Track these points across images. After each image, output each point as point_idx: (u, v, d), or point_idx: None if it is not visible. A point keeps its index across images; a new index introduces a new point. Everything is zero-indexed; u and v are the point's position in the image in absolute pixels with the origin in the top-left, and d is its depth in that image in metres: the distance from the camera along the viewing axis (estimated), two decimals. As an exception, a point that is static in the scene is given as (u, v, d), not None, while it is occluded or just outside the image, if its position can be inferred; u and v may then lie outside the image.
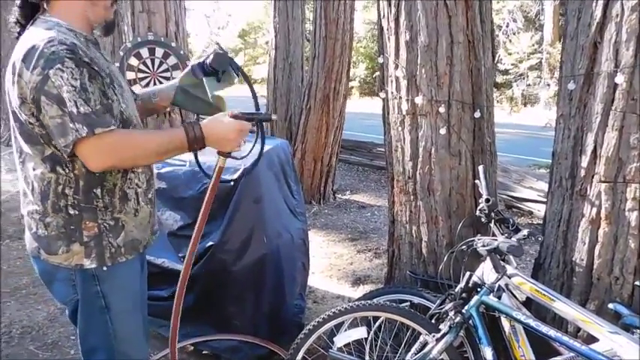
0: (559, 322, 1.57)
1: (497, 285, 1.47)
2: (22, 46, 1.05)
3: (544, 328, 1.37)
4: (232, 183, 1.87)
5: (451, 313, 1.47)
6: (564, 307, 1.40)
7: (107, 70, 1.14)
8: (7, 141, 7.19)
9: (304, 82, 5.46)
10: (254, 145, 1.21)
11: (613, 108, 1.44)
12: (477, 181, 1.73)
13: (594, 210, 1.50)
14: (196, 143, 1.12)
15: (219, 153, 1.17)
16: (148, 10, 3.38)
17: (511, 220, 1.62)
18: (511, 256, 1.56)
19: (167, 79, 3.39)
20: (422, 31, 1.80)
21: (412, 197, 1.95)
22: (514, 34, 15.11)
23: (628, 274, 1.46)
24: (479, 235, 1.62)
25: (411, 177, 1.93)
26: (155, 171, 1.35)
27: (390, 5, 1.89)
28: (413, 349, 1.52)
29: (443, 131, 1.83)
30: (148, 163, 1.16)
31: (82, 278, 1.15)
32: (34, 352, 2.21)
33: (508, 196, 4.42)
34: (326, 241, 3.83)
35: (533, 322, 1.39)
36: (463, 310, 1.46)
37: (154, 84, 3.36)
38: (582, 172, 1.53)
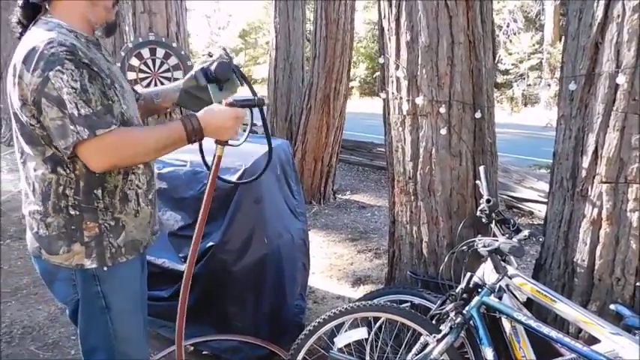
0: (560, 323, 1.57)
1: (498, 286, 1.46)
2: (23, 48, 1.05)
3: (545, 329, 1.37)
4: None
5: (452, 314, 1.47)
6: (565, 308, 1.40)
7: (107, 70, 1.14)
8: (8, 141, 7.20)
9: (305, 82, 5.46)
10: (249, 132, 1.23)
11: (614, 108, 1.44)
12: (477, 182, 1.73)
13: (595, 211, 1.50)
14: (195, 135, 1.13)
15: (217, 142, 1.19)
16: (150, 10, 3.39)
17: (512, 220, 1.61)
18: (512, 257, 1.56)
19: (168, 79, 3.39)
20: (423, 31, 1.79)
21: (413, 198, 1.95)
22: (514, 34, 15.11)
23: (629, 275, 1.46)
24: (479, 235, 1.62)
25: (411, 177, 1.93)
26: (156, 171, 1.35)
27: (390, 6, 1.89)
28: (413, 350, 1.52)
29: (443, 132, 1.82)
30: (149, 159, 1.17)
31: (82, 278, 1.15)
32: (35, 353, 2.21)
33: (508, 196, 4.42)
34: (326, 242, 3.83)
35: (534, 323, 1.39)
36: (464, 311, 1.46)
37: (155, 84, 3.36)
38: (583, 173, 1.53)
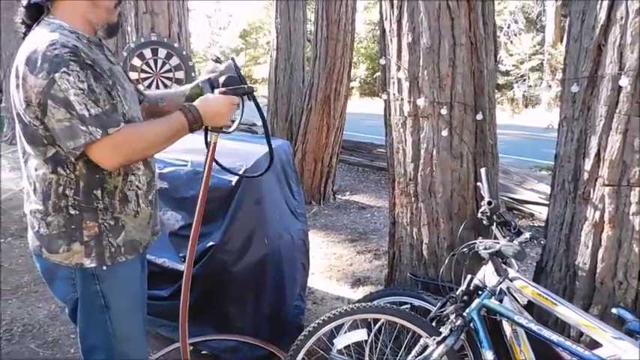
0: (561, 327, 1.56)
1: (498, 288, 1.46)
2: (25, 49, 1.05)
3: (546, 333, 1.36)
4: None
5: (452, 316, 1.46)
6: (567, 312, 1.39)
7: (109, 72, 1.14)
8: (10, 139, 7.20)
9: (305, 82, 5.46)
10: (241, 117, 1.27)
11: (617, 111, 1.44)
12: (478, 184, 1.72)
13: (597, 213, 1.50)
14: (195, 123, 1.17)
15: (212, 129, 1.24)
16: (152, 11, 3.39)
17: (513, 222, 1.61)
18: (513, 259, 1.56)
19: (170, 79, 3.39)
20: (424, 33, 1.79)
21: (413, 199, 1.94)
22: (515, 35, 15.11)
23: (632, 278, 1.45)
24: (480, 237, 1.61)
25: (412, 179, 1.93)
26: (157, 172, 1.35)
27: (392, 7, 1.88)
28: (413, 352, 1.51)
29: (445, 133, 1.82)
30: (156, 151, 1.19)
31: (81, 277, 1.16)
32: (35, 351, 2.21)
33: (509, 198, 4.41)
34: (326, 242, 3.82)
35: (535, 327, 1.39)
36: (464, 314, 1.45)
37: (157, 84, 3.36)
38: (586, 175, 1.53)
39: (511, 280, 1.49)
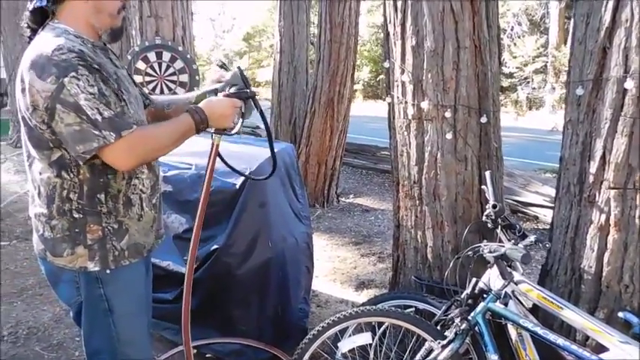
0: (567, 331, 1.55)
1: (504, 292, 1.45)
2: (31, 53, 1.06)
3: (552, 337, 1.35)
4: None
5: (457, 320, 1.45)
6: (573, 315, 1.38)
7: (115, 75, 1.15)
8: (15, 142, 7.26)
9: (309, 85, 5.47)
10: (243, 120, 1.30)
11: (622, 114, 1.43)
12: (483, 187, 1.72)
13: (603, 217, 1.49)
14: (202, 124, 1.20)
15: (216, 131, 1.26)
16: (156, 14, 3.41)
17: (518, 226, 1.60)
18: (518, 263, 1.55)
19: (174, 82, 3.41)
20: (428, 36, 1.79)
21: (418, 202, 1.94)
22: (519, 37, 15.08)
23: (638, 282, 1.44)
24: (485, 240, 1.60)
25: (416, 182, 1.92)
26: (161, 175, 1.36)
27: (396, 10, 1.89)
28: (418, 356, 1.51)
29: (449, 136, 1.82)
30: (167, 152, 1.21)
31: (85, 281, 1.16)
32: (40, 353, 2.22)
33: (513, 200, 4.39)
34: (329, 245, 3.82)
35: (540, 330, 1.38)
36: (469, 317, 1.44)
37: (161, 87, 3.38)
38: (591, 178, 1.52)
39: (516, 284, 1.48)
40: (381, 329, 1.75)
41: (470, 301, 1.49)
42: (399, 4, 1.86)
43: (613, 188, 1.46)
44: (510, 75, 15.17)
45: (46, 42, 1.06)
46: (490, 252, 1.49)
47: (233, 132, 1.28)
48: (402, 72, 1.89)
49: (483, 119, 1.82)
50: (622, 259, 1.46)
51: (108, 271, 1.16)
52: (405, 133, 1.93)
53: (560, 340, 1.34)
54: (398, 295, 1.87)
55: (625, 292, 1.47)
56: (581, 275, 1.56)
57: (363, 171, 6.48)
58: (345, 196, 5.31)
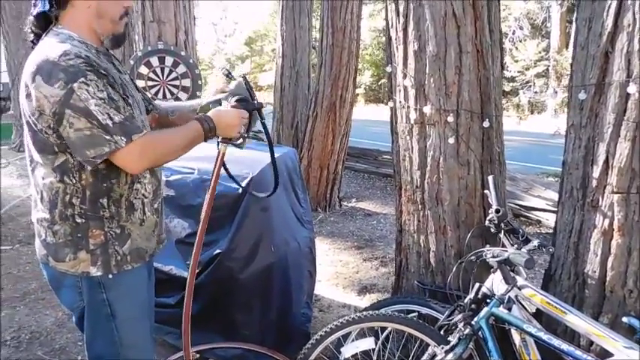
0: (570, 335, 1.54)
1: (507, 296, 1.45)
2: (36, 58, 1.06)
3: (556, 342, 1.34)
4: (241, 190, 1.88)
5: (460, 325, 1.45)
6: (577, 320, 1.38)
7: (119, 80, 1.15)
8: (18, 147, 7.29)
9: (311, 89, 5.48)
10: (249, 131, 1.31)
11: (625, 118, 1.43)
12: (486, 191, 1.71)
13: (607, 221, 1.48)
14: (210, 132, 1.22)
15: (222, 140, 1.28)
16: (159, 19, 3.44)
17: (521, 230, 1.60)
18: (521, 267, 1.54)
19: (176, 87, 3.42)
20: (430, 40, 1.80)
21: (420, 206, 1.94)
22: (520, 41, 15.09)
23: (642, 286, 1.44)
24: (488, 245, 1.60)
25: (419, 186, 1.92)
26: (163, 180, 1.36)
27: (398, 15, 1.89)
28: (421, 361, 1.50)
29: (451, 140, 1.82)
30: (176, 157, 1.22)
31: (88, 285, 1.16)
32: (42, 358, 2.22)
33: (516, 204, 4.38)
34: (332, 249, 3.81)
35: (544, 335, 1.37)
36: (472, 322, 1.44)
37: (164, 92, 3.40)
38: (594, 183, 1.52)
39: (519, 289, 1.47)
40: (384, 334, 1.75)
41: (473, 305, 1.49)
42: (401, 8, 1.87)
43: (616, 193, 1.46)
44: (512, 79, 15.17)
45: (51, 47, 1.06)
46: (493, 257, 1.49)
47: (238, 142, 1.29)
48: (405, 76, 1.89)
49: (486, 124, 1.82)
50: (626, 264, 1.46)
51: (110, 276, 1.16)
52: (408, 137, 1.94)
53: (564, 346, 1.33)
54: (401, 300, 1.87)
55: (629, 297, 1.46)
56: (584, 280, 1.55)
57: (365, 175, 6.48)
58: (347, 200, 5.30)
